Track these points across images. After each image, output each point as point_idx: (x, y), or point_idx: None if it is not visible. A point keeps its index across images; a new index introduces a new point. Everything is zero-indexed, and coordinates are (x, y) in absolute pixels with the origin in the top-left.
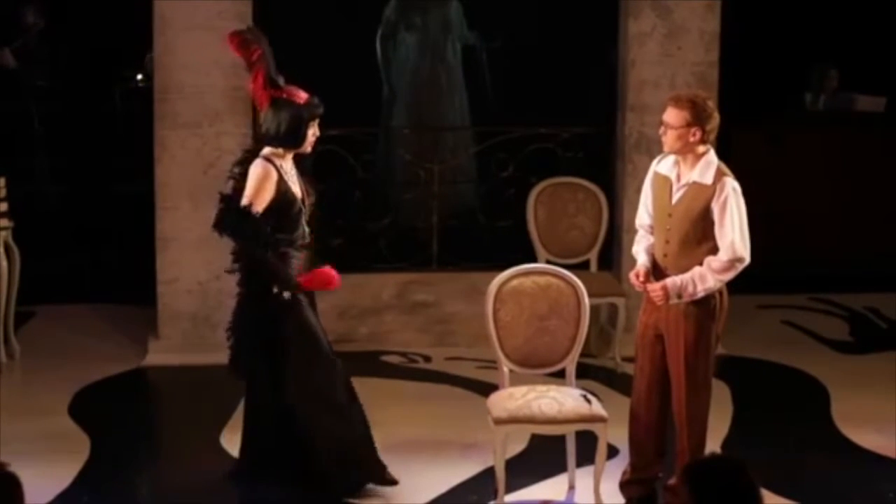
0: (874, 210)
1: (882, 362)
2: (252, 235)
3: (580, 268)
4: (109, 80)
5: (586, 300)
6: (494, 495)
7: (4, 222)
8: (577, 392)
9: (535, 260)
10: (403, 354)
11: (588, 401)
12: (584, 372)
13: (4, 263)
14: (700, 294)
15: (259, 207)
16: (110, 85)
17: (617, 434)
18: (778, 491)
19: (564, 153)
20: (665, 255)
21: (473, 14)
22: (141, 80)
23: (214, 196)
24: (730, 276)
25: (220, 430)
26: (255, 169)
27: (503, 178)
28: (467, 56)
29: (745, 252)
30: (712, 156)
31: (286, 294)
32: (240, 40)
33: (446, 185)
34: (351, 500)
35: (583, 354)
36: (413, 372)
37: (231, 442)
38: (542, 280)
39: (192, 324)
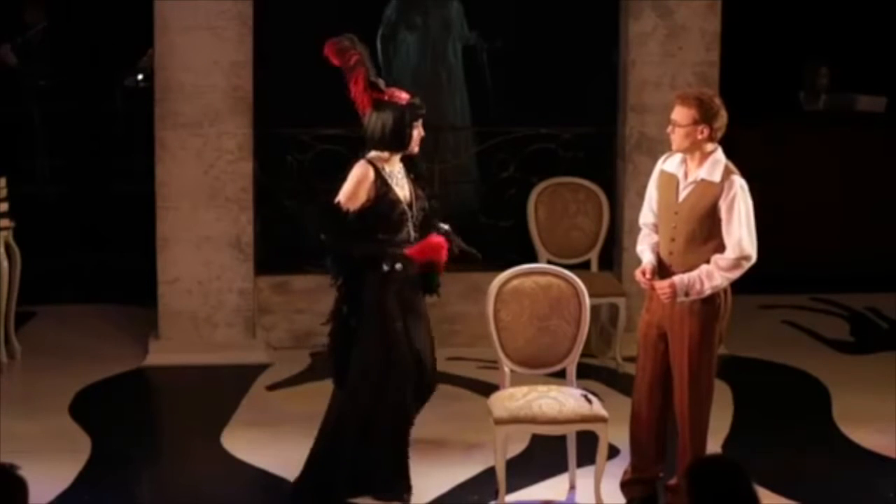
0: (875, 210)
1: (882, 362)
2: (338, 231)
3: (581, 268)
4: (110, 80)
5: (587, 300)
6: (495, 495)
7: (5, 222)
8: (577, 392)
9: (535, 260)
10: None
11: (589, 401)
12: (585, 372)
13: (5, 263)
14: (707, 292)
15: (352, 206)
16: (111, 85)
17: (618, 434)
18: (778, 491)
19: (565, 153)
20: (671, 253)
21: (474, 14)
22: (141, 81)
23: (215, 196)
24: (737, 274)
25: (220, 430)
26: (354, 170)
27: (504, 178)
28: (468, 56)
29: (752, 250)
30: (720, 154)
31: (398, 265)
32: (337, 47)
33: (447, 185)
34: (353, 500)
35: (584, 354)
36: None
37: (231, 442)
38: (542, 280)
39: (192, 324)
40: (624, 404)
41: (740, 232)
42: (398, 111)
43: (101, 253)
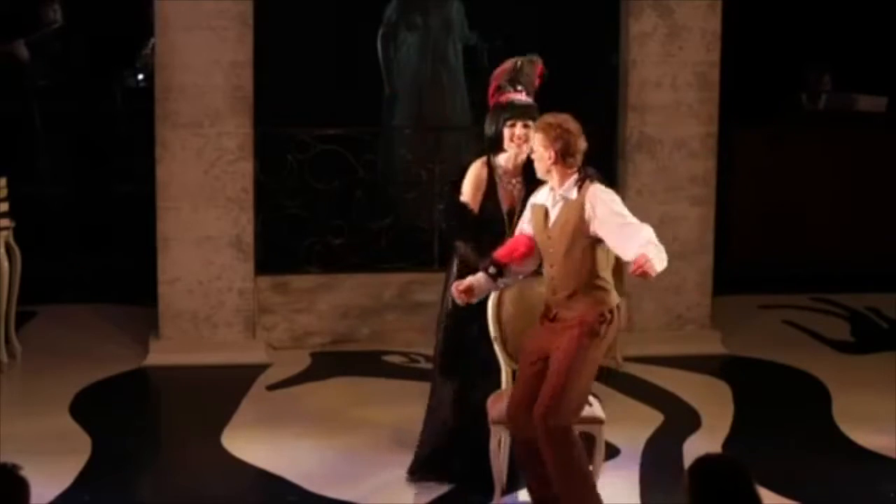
0: (875, 210)
1: (883, 362)
2: (455, 224)
3: None
4: (111, 80)
5: None
6: (494, 495)
7: (5, 222)
8: None
9: None
10: (405, 354)
11: (589, 403)
12: None
13: (6, 264)
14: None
15: (467, 199)
16: (111, 85)
17: (618, 434)
18: (778, 490)
19: None
20: (552, 279)
21: (474, 14)
22: (141, 80)
23: (215, 196)
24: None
25: (221, 430)
26: (471, 168)
27: None
28: (468, 56)
29: (648, 230)
30: (577, 173)
31: (491, 269)
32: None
33: (448, 185)
34: (353, 501)
35: None
36: (414, 372)
37: (231, 442)
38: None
39: (192, 324)
40: (624, 404)
41: (627, 231)
42: (493, 114)
43: (101, 253)
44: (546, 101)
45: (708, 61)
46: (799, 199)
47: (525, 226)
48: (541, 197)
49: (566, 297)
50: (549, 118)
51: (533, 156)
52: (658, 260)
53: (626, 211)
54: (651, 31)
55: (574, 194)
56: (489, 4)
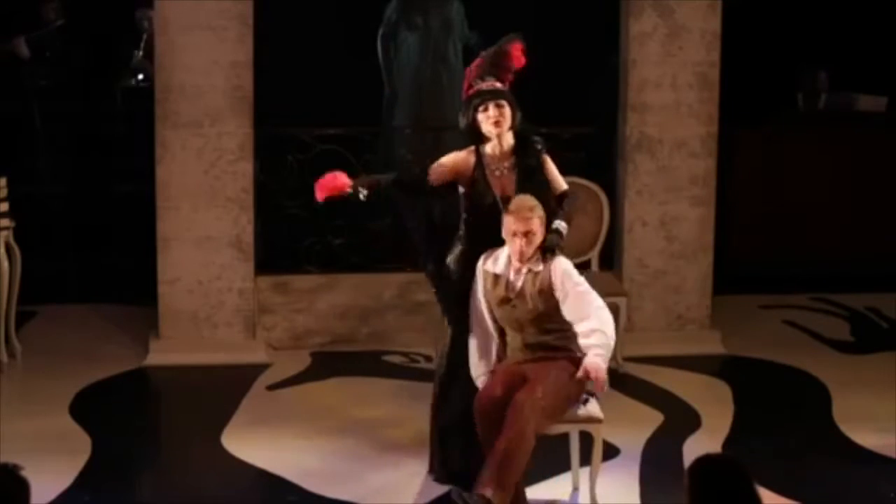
0: (876, 210)
1: (883, 362)
2: (409, 178)
3: (581, 267)
4: (111, 80)
5: None
6: None
7: (5, 222)
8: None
9: None
10: (405, 354)
11: (585, 402)
12: None
13: (6, 263)
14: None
15: (436, 167)
16: (112, 85)
17: (618, 434)
18: (778, 490)
19: (565, 153)
20: (526, 343)
21: (474, 14)
22: (141, 80)
23: (215, 196)
24: (609, 325)
25: (221, 430)
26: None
27: None
28: (468, 56)
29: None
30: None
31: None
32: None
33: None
34: (353, 501)
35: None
36: (414, 372)
37: (231, 442)
38: None
39: (192, 324)
40: (624, 404)
41: (586, 298)
42: (464, 108)
43: (101, 253)
44: (547, 101)
45: (708, 61)
46: (799, 199)
47: (478, 300)
48: (496, 266)
49: (543, 354)
50: (528, 201)
51: (527, 239)
52: (604, 359)
53: (582, 279)
54: (651, 31)
55: (540, 266)
56: (489, 4)
